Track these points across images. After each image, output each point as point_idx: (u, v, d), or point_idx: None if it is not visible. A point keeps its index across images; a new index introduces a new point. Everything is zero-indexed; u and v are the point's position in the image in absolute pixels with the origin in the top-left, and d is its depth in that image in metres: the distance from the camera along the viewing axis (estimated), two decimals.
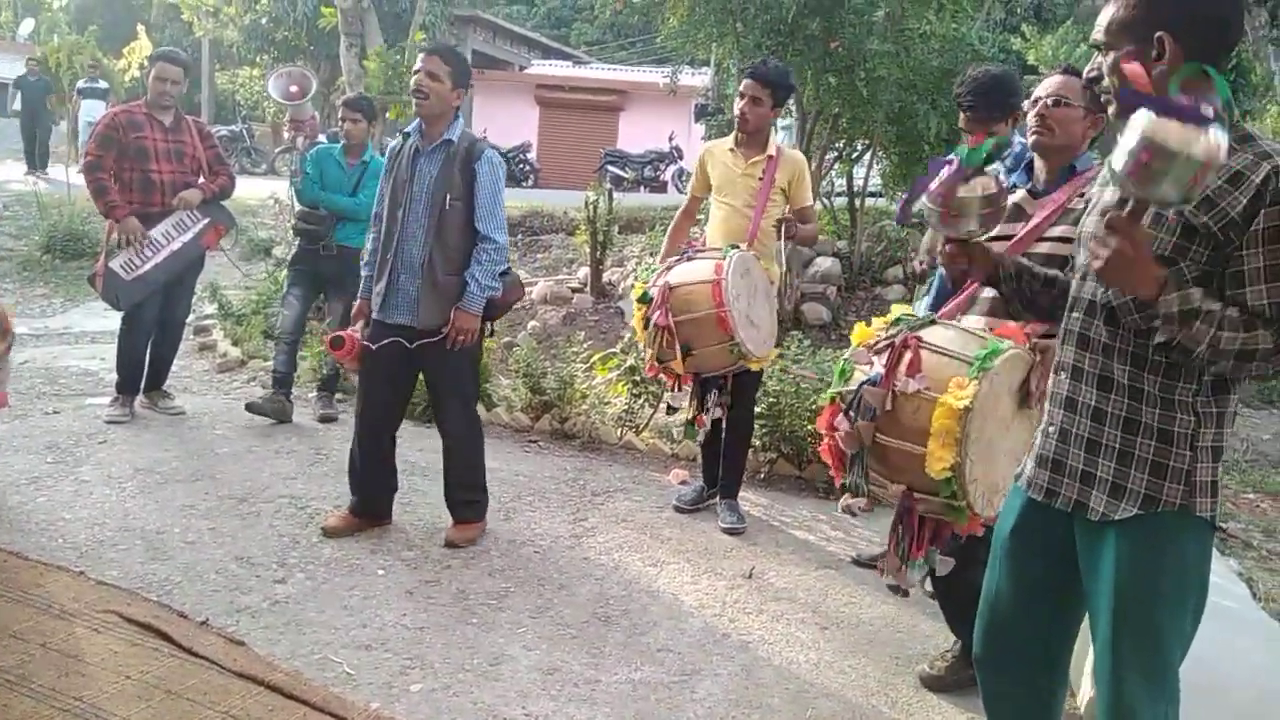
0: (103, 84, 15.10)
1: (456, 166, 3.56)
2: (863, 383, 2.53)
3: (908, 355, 2.48)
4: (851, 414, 2.54)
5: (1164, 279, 1.61)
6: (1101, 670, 1.78)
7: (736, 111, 4.15)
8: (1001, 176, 2.19)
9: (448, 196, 3.55)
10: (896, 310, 2.76)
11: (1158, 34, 1.68)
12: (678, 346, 3.83)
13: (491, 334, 4.03)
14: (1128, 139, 1.51)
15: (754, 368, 4.03)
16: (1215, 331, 1.59)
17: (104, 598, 3.04)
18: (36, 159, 14.92)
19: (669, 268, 4.00)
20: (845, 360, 2.66)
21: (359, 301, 3.82)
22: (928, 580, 3.26)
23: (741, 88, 4.14)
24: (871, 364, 2.55)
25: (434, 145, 3.59)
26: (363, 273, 3.84)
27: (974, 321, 2.76)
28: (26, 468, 4.15)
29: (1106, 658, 1.76)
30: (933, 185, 1.98)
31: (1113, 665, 1.75)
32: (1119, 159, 1.52)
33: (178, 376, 5.67)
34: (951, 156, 1.98)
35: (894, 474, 2.58)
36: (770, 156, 4.11)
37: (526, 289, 8.18)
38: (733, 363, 3.91)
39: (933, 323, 2.63)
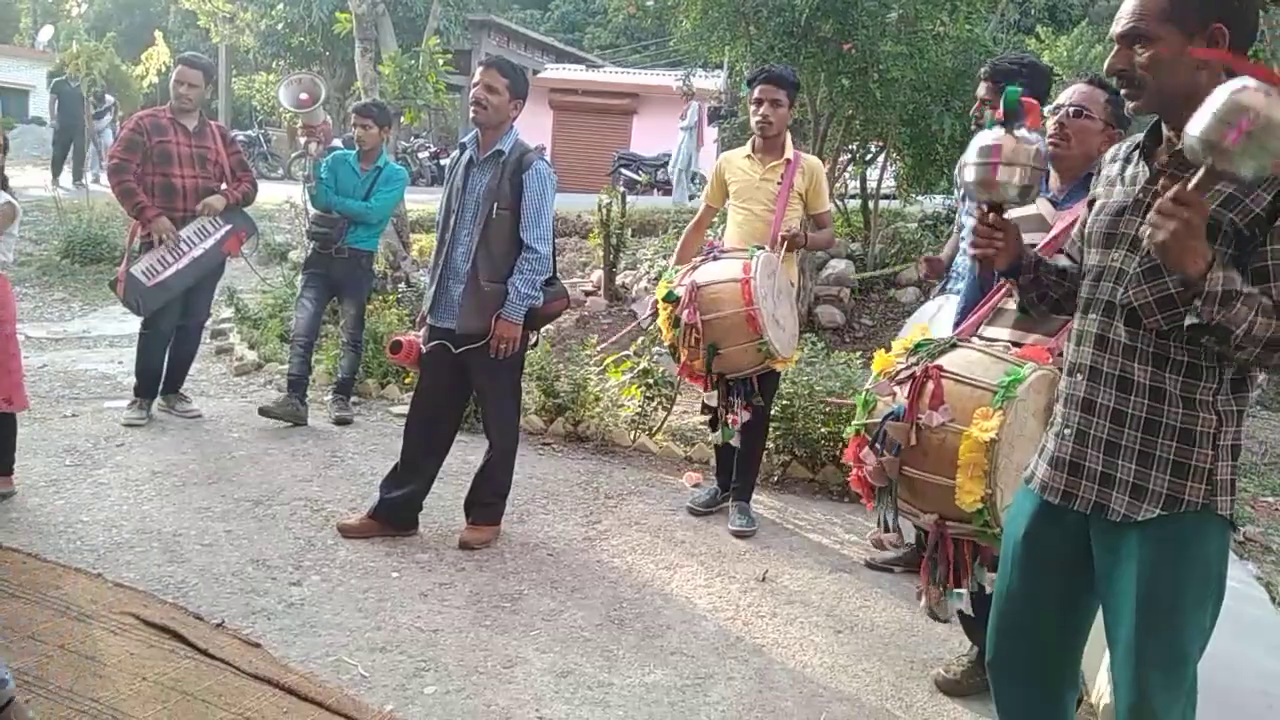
0: (108, 99, 14.94)
1: (506, 176, 3.61)
2: (885, 416, 2.50)
3: (930, 387, 2.44)
4: (877, 448, 2.53)
5: (1212, 257, 1.57)
6: (1123, 671, 1.77)
7: (756, 119, 4.10)
8: (1043, 149, 2.14)
9: (495, 205, 3.60)
10: (916, 333, 2.72)
11: (1216, 24, 1.65)
12: (704, 346, 3.84)
13: (535, 344, 4.06)
14: (1217, 106, 1.46)
15: (779, 368, 4.03)
16: (1253, 316, 1.57)
17: (121, 599, 3.06)
18: (73, 169, 14.11)
19: (694, 267, 4.01)
20: (868, 391, 2.63)
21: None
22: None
23: (757, 94, 4.09)
24: (894, 395, 2.52)
25: (487, 155, 3.66)
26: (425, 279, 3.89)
27: (999, 333, 2.71)
28: (45, 470, 4.18)
29: (1129, 659, 1.75)
30: (982, 143, 1.92)
31: (1136, 666, 1.74)
32: (1202, 126, 1.48)
33: (195, 380, 5.71)
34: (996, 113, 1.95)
35: (925, 504, 2.55)
36: (788, 160, 4.11)
37: (570, 297, 8.19)
38: (759, 362, 3.91)
39: (954, 346, 2.58)
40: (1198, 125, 1.49)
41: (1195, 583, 1.74)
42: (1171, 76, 1.68)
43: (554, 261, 3.82)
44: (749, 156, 4.20)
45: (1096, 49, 10.42)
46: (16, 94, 26.39)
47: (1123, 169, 1.87)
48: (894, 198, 8.99)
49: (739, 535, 4.09)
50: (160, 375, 5.12)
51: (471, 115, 3.66)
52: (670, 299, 3.96)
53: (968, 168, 1.93)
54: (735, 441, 4.14)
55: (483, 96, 3.58)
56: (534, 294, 3.66)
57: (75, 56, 12.56)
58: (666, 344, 4.15)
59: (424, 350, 3.79)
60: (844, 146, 8.03)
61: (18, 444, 3.94)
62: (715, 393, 4.04)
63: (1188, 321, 1.62)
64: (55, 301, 8.43)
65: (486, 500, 3.84)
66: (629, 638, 3.16)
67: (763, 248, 3.96)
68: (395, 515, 3.79)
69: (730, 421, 4.09)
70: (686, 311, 3.84)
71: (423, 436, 3.81)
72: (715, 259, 4.01)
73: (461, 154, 3.77)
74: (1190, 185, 1.53)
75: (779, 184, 4.09)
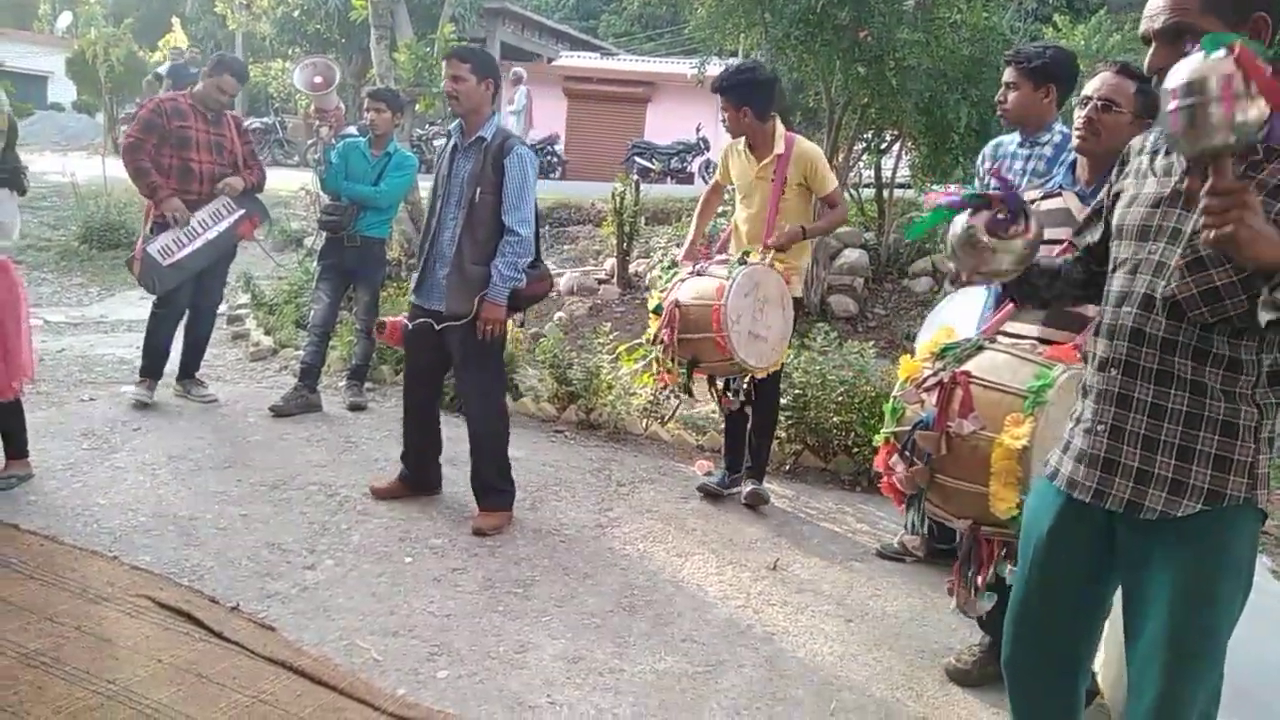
0: (194, 70, 14.65)
1: (488, 161, 3.70)
2: (915, 425, 2.48)
3: (959, 394, 2.42)
4: (907, 455, 2.51)
5: None
6: (1150, 664, 1.74)
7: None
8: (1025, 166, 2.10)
9: (478, 190, 3.69)
10: (942, 335, 2.69)
11: (1258, 14, 1.61)
12: (679, 360, 4.02)
13: (521, 324, 4.14)
14: (1162, 103, 1.43)
15: (760, 376, 4.09)
16: None
17: (137, 582, 3.09)
18: None
19: (682, 280, 4.10)
20: (896, 399, 2.61)
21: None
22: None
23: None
24: (922, 403, 2.50)
25: (470, 142, 3.75)
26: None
27: (1026, 329, 2.67)
28: (63, 454, 4.22)
29: (1159, 652, 1.72)
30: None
31: (1168, 660, 1.71)
32: (1161, 125, 1.45)
33: (211, 365, 5.74)
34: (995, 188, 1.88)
35: (958, 510, 2.54)
36: (779, 155, 4.09)
37: (554, 279, 8.21)
38: (739, 372, 4.05)
39: (980, 348, 2.55)
40: (1159, 125, 1.47)
41: (1231, 576, 1.72)
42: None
43: (538, 244, 3.89)
44: (744, 151, 4.22)
45: (1114, 38, 10.28)
46: (35, 80, 26.51)
47: (1151, 160, 1.82)
48: (909, 187, 8.93)
49: (754, 500, 4.19)
50: (166, 356, 5.15)
51: (450, 109, 3.81)
52: (658, 312, 4.10)
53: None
54: (731, 409, 4.29)
55: (452, 89, 3.70)
56: (517, 276, 3.74)
57: (93, 43, 12.61)
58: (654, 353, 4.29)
59: (409, 326, 3.91)
60: (859, 135, 7.98)
61: (37, 428, 3.98)
62: (687, 398, 4.32)
63: (1266, 317, 1.51)
64: (74, 286, 8.50)
65: (492, 485, 3.88)
66: (640, 624, 3.17)
67: (745, 259, 3.99)
68: (419, 475, 4.07)
69: (724, 403, 4.27)
70: (665, 332, 3.98)
71: (415, 396, 4.02)
72: (699, 274, 4.09)
73: (448, 142, 3.88)
74: (1213, 179, 1.46)
75: (772, 180, 4.11)
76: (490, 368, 3.90)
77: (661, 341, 4.02)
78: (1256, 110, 1.39)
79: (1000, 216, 1.83)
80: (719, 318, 3.84)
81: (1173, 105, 1.43)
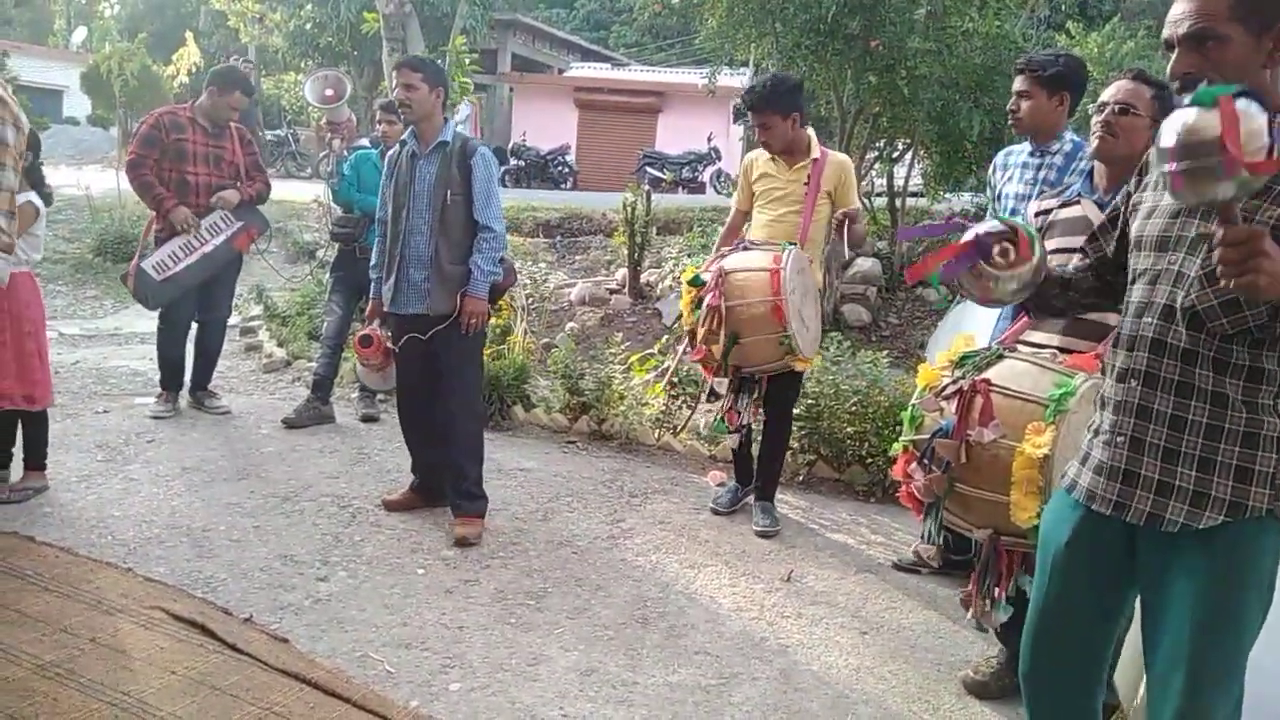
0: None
1: (454, 164, 3.79)
2: (934, 433, 2.46)
3: (979, 402, 2.40)
4: (926, 463, 2.49)
5: None
6: (1171, 677, 1.72)
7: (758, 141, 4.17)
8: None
9: (448, 192, 3.78)
10: (960, 343, 2.67)
11: None
12: (724, 332, 3.81)
13: (490, 317, 4.26)
14: (1164, 153, 1.40)
15: (799, 367, 3.98)
16: None
17: (151, 594, 3.10)
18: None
19: (723, 255, 4.02)
20: (914, 407, 2.59)
21: (372, 302, 4.06)
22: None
23: (752, 122, 4.12)
24: (941, 411, 2.48)
25: (430, 148, 3.82)
26: (371, 275, 4.05)
27: (1046, 338, 2.64)
28: (77, 466, 4.24)
29: (1180, 666, 1.70)
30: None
31: (1188, 675, 1.69)
32: (1170, 183, 1.41)
33: (224, 376, 5.76)
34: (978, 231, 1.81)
35: (978, 520, 2.51)
36: (815, 160, 4.06)
37: (565, 290, 8.22)
38: (779, 358, 3.88)
39: (1000, 356, 2.53)
40: (1159, 174, 1.45)
41: (1254, 589, 1.71)
42: (1244, 77, 1.61)
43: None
44: (773, 159, 4.15)
45: (1128, 45, 10.26)
46: (51, 94, 26.76)
47: None
48: (921, 195, 8.91)
49: (763, 535, 4.07)
50: (181, 367, 5.18)
51: (402, 117, 3.93)
52: (696, 283, 3.95)
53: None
54: (731, 441, 4.18)
55: (404, 97, 3.77)
56: (495, 270, 3.85)
57: (108, 57, 12.70)
58: (685, 328, 4.14)
59: (392, 346, 3.95)
60: (871, 144, 7.97)
61: (52, 440, 3.99)
62: (725, 380, 4.05)
63: None
64: (88, 299, 8.55)
65: (469, 492, 3.88)
66: (653, 637, 3.15)
67: (793, 244, 3.93)
68: (429, 485, 4.05)
69: (729, 419, 4.06)
70: (711, 295, 3.82)
71: (417, 428, 4.02)
72: (746, 249, 4.00)
73: (402, 149, 3.91)
74: (1224, 229, 1.43)
75: (805, 185, 4.05)
76: (476, 362, 4.00)
77: (708, 307, 3.82)
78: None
79: (999, 248, 1.80)
80: (778, 282, 3.73)
81: (1170, 167, 1.40)
